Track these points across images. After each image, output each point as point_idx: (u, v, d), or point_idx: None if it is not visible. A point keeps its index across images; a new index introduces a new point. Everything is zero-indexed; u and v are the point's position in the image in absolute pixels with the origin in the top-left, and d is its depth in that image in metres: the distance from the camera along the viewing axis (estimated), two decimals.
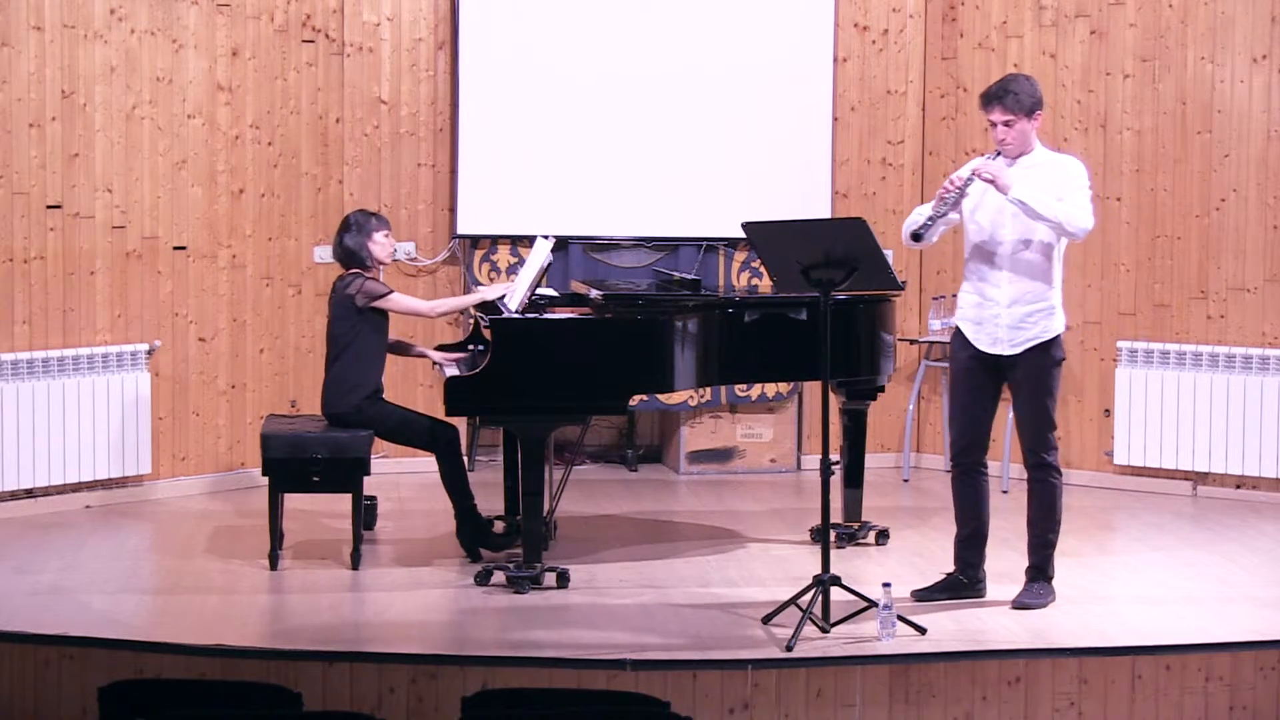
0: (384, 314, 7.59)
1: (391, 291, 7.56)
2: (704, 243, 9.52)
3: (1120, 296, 9.18)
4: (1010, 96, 6.67)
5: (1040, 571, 6.86)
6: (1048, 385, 6.73)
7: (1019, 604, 6.78)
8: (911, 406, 9.58)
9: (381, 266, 7.78)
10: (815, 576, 6.49)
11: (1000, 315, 6.70)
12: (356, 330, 7.51)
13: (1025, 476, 6.93)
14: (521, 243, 9.33)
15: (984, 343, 6.76)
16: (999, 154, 6.70)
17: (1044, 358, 6.71)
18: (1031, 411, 6.75)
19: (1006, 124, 6.68)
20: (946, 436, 9.34)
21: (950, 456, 6.95)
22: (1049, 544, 6.84)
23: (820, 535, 6.68)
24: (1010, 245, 6.69)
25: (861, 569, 7.32)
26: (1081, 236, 6.68)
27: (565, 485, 8.00)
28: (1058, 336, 6.73)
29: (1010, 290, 6.69)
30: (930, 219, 6.65)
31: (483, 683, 6.00)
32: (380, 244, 7.65)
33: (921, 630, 6.39)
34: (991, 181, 6.58)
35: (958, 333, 6.86)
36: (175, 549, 7.79)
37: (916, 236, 6.69)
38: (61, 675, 6.17)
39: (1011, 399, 6.84)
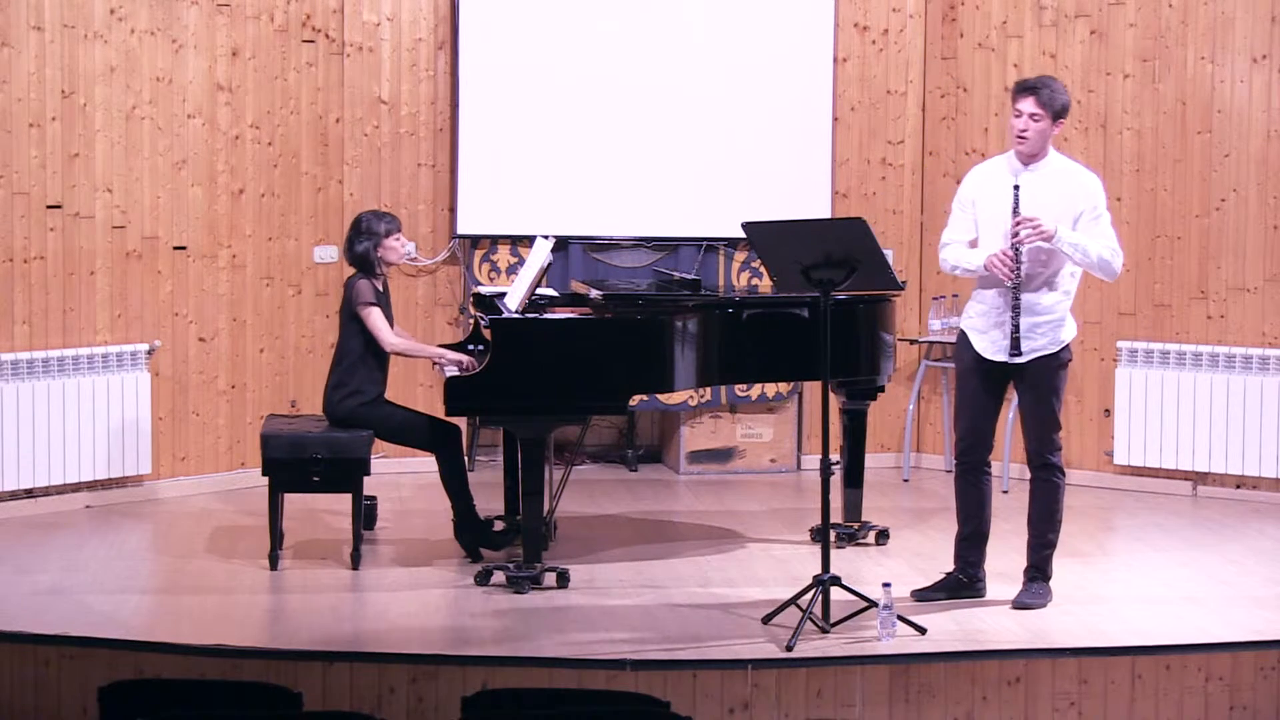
0: (388, 320, 7.58)
1: (372, 306, 7.47)
2: (704, 243, 9.52)
3: (1120, 296, 9.18)
4: (1046, 91, 6.66)
5: (1039, 571, 6.86)
6: (1054, 387, 6.74)
7: (1019, 604, 6.79)
8: (912, 406, 9.58)
9: (391, 266, 7.78)
10: (815, 576, 6.49)
11: (1009, 325, 6.68)
12: (359, 336, 7.50)
13: (1027, 476, 6.93)
14: (521, 243, 9.33)
15: (989, 350, 6.76)
16: (1016, 189, 6.59)
17: (1052, 361, 6.72)
18: (1039, 413, 6.75)
19: (1034, 117, 6.66)
20: (947, 437, 9.42)
21: (955, 455, 6.95)
22: (1049, 544, 6.85)
23: (820, 535, 6.68)
24: (1026, 260, 6.65)
25: (861, 569, 7.32)
26: (1115, 278, 6.79)
27: (565, 485, 7.99)
28: (1067, 344, 6.75)
29: (1023, 301, 6.66)
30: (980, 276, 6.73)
31: (483, 683, 6.00)
32: (392, 249, 7.61)
33: (921, 630, 6.39)
34: (1040, 235, 6.55)
35: (963, 336, 6.85)
36: (175, 549, 7.79)
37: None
38: (61, 675, 6.17)
39: (1017, 400, 6.84)
